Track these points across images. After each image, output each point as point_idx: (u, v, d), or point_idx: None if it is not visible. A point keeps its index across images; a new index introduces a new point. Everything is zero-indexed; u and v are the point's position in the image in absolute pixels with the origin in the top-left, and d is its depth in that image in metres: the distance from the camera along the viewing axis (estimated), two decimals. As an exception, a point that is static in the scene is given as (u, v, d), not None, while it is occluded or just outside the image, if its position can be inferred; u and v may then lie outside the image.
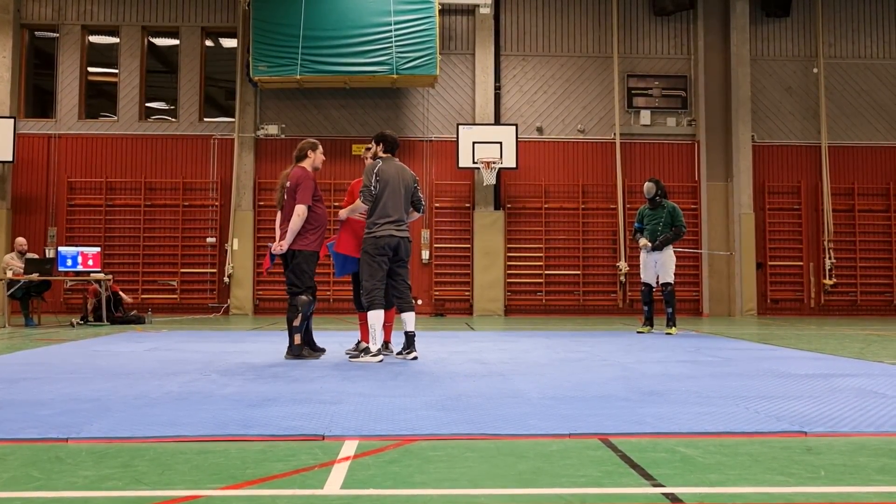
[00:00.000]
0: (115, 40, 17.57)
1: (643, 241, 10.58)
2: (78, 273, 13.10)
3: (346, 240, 7.27)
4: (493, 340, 9.60)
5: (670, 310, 10.51)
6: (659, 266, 10.53)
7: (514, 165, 16.61)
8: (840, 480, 2.88)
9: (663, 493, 2.70)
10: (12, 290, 12.15)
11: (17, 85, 17.21)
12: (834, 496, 2.69)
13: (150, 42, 17.86)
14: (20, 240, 13.14)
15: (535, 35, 17.73)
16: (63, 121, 17.24)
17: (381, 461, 3.17)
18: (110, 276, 13.37)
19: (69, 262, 12.87)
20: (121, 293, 13.43)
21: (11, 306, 12.61)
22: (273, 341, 8.96)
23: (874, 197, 17.75)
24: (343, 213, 7.22)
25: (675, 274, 10.64)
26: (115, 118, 17.43)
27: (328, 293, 16.51)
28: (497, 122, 17.19)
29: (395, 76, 15.99)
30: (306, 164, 7.07)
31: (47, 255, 15.84)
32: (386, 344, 7.39)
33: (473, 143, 16.44)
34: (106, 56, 17.93)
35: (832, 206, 17.43)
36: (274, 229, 7.25)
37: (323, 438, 3.55)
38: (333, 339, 9.17)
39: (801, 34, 17.93)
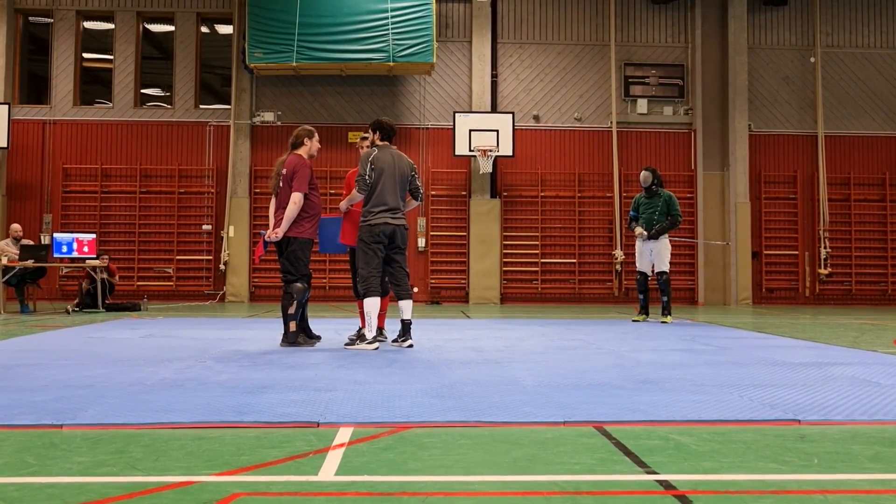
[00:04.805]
0: (110, 26, 17.48)
1: (639, 230, 10.58)
2: (73, 259, 13.08)
3: (348, 230, 7.26)
4: (489, 328, 9.61)
5: (665, 298, 10.52)
6: (654, 255, 10.53)
7: (510, 153, 16.60)
8: (833, 468, 2.89)
9: (657, 481, 2.70)
10: (7, 276, 12.12)
11: (11, 71, 17.12)
12: (827, 484, 2.70)
13: (145, 28, 17.77)
14: (15, 226, 13.10)
15: (532, 23, 17.67)
16: (58, 107, 17.17)
17: (375, 448, 3.17)
18: (106, 258, 13.35)
19: (64, 249, 12.84)
20: (112, 268, 13.46)
21: (7, 293, 12.59)
22: (268, 328, 8.96)
23: (870, 186, 17.77)
24: (343, 206, 7.20)
25: (670, 263, 10.65)
26: (110, 104, 17.36)
27: (324, 281, 16.51)
28: (493, 110, 17.15)
29: (391, 64, 15.94)
30: (302, 151, 7.04)
31: (42, 242, 15.80)
32: (380, 331, 7.39)
33: (470, 130, 16.42)
34: (101, 42, 17.84)
35: (828, 195, 17.45)
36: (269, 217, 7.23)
37: (318, 425, 3.56)
38: (329, 326, 9.17)
39: (799, 23, 17.90)
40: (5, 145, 16.27)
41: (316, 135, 7.21)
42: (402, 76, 17.20)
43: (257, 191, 17.05)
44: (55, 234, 13.33)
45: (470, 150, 16.46)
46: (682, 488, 2.62)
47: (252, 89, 17.20)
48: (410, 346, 6.97)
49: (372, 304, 6.78)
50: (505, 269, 17.25)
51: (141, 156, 17.14)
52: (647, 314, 10.80)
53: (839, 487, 2.67)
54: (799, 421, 3.71)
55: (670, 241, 10.76)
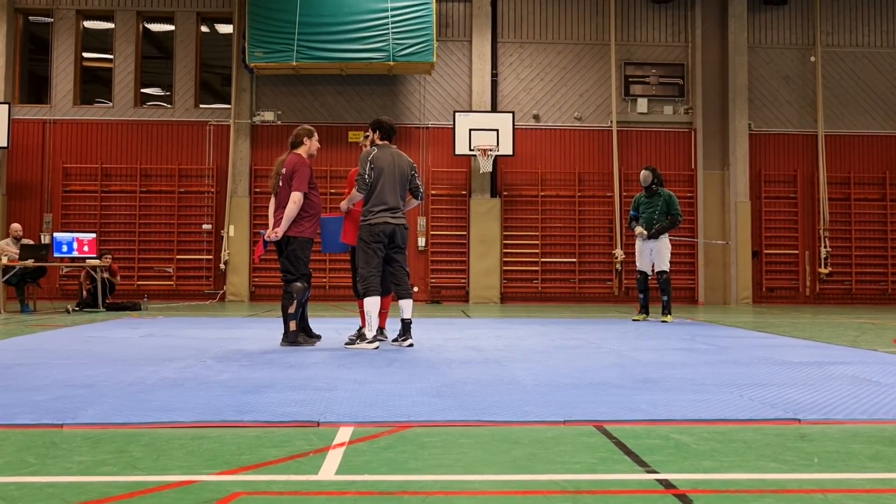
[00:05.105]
0: (110, 25, 17.47)
1: (639, 230, 10.57)
2: (73, 259, 13.08)
3: (349, 229, 7.26)
4: (489, 327, 9.61)
5: (665, 298, 10.52)
6: (654, 254, 10.53)
7: (510, 153, 16.60)
8: (833, 467, 2.89)
9: (657, 480, 2.70)
10: (8, 276, 12.12)
11: (11, 70, 17.12)
12: (827, 483, 2.70)
13: (145, 27, 17.76)
14: (15, 226, 13.11)
15: (532, 22, 17.66)
16: (58, 106, 17.17)
17: (375, 447, 3.17)
18: (108, 257, 13.34)
19: (64, 248, 12.84)
20: (114, 268, 13.48)
21: (7, 292, 12.58)
22: (269, 328, 8.96)
23: (870, 186, 17.77)
24: (343, 206, 7.20)
25: (670, 262, 10.65)
26: (111, 104, 17.36)
27: (324, 280, 16.51)
28: (494, 109, 17.15)
29: (391, 63, 15.93)
30: (302, 150, 7.04)
31: (42, 241, 15.79)
32: (381, 330, 7.39)
33: (470, 130, 16.41)
34: (101, 41, 17.84)
35: (828, 194, 17.45)
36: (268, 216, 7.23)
37: (318, 425, 3.56)
38: (329, 325, 9.18)
39: (799, 22, 17.90)
40: (5, 145, 16.27)
41: (315, 134, 7.20)
42: (402, 75, 17.19)
43: (257, 190, 17.05)
44: (55, 234, 13.33)
45: (470, 150, 16.46)
46: (682, 487, 2.62)
47: (252, 89, 17.20)
48: (411, 345, 6.97)
49: (372, 304, 6.78)
50: (505, 268, 17.25)
51: (141, 155, 17.13)
52: (647, 313, 10.80)
53: (839, 486, 2.67)
54: (799, 420, 3.71)
55: (670, 240, 10.76)
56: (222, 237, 16.91)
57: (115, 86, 17.29)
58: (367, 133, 7.26)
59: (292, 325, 6.93)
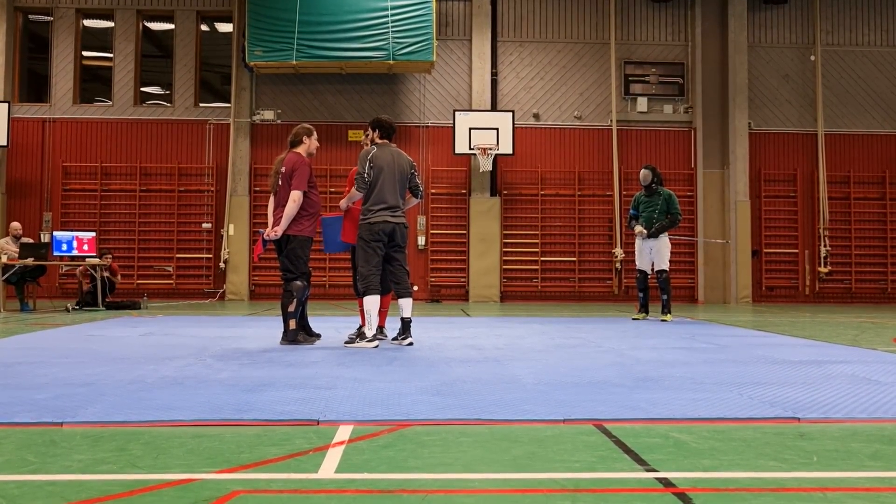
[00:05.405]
0: (110, 24, 17.47)
1: (639, 229, 10.57)
2: (73, 258, 13.08)
3: (348, 228, 7.26)
4: (489, 326, 9.61)
5: (665, 297, 10.52)
6: (654, 253, 10.52)
7: (510, 152, 16.60)
8: (833, 466, 2.89)
9: (657, 478, 2.71)
10: (7, 274, 12.12)
11: (11, 69, 17.12)
12: (826, 481, 2.70)
13: (144, 26, 17.76)
14: (15, 224, 13.11)
15: (532, 21, 17.66)
16: (57, 105, 17.17)
17: (375, 446, 3.17)
18: (109, 257, 13.34)
19: (64, 247, 12.84)
20: (114, 267, 13.50)
21: (7, 291, 12.58)
22: (268, 327, 8.96)
23: (870, 185, 17.77)
24: (343, 204, 7.20)
25: (670, 261, 10.64)
26: (110, 103, 17.36)
27: (324, 279, 16.52)
28: (493, 108, 17.15)
29: (391, 62, 15.93)
30: (301, 149, 7.04)
31: (42, 240, 15.79)
32: (381, 329, 7.39)
33: (470, 129, 16.41)
34: (100, 40, 17.84)
35: (828, 193, 17.45)
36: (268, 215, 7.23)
37: (318, 423, 3.56)
38: (329, 324, 9.18)
39: (799, 21, 17.90)
40: (5, 143, 16.27)
41: (315, 133, 7.20)
42: (402, 74, 17.19)
43: (257, 189, 17.05)
44: (55, 233, 13.33)
45: (470, 149, 16.46)
46: (681, 486, 2.62)
47: (252, 87, 17.20)
48: (410, 344, 6.97)
49: (372, 302, 6.78)
50: (505, 267, 17.25)
51: (141, 154, 17.13)
52: (646, 312, 10.79)
53: (839, 485, 2.67)
54: (798, 419, 3.71)
55: (670, 239, 10.76)
56: (222, 236, 16.91)
57: (115, 84, 17.29)
58: (367, 132, 7.25)
59: (292, 324, 6.93)
